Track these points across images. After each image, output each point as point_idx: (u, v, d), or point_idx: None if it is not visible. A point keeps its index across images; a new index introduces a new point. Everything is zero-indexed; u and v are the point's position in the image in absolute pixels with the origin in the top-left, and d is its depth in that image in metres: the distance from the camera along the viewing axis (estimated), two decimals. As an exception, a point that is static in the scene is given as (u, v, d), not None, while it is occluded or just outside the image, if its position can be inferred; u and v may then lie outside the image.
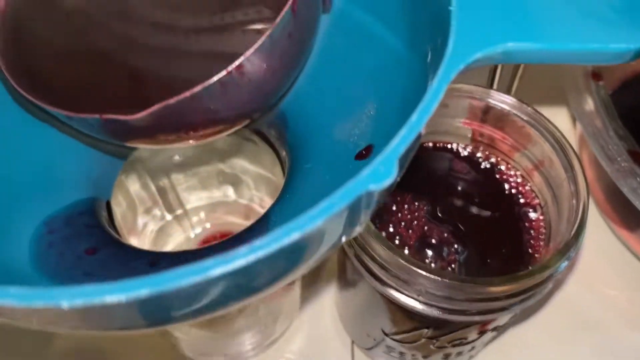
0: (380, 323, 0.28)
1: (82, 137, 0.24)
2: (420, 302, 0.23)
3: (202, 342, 0.31)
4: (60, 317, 0.15)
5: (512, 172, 0.29)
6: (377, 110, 0.22)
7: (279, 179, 0.29)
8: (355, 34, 0.24)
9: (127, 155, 0.26)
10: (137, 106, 0.19)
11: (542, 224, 0.28)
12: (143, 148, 0.26)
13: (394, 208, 0.28)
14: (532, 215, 0.28)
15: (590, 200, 0.32)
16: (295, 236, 0.14)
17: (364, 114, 0.22)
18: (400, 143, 0.15)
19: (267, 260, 0.14)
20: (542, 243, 0.27)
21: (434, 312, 0.24)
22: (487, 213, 0.28)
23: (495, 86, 0.33)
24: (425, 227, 0.27)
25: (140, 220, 0.31)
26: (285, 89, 0.23)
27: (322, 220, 0.14)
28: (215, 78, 0.19)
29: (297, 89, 0.24)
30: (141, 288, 0.13)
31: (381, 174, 0.14)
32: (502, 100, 0.27)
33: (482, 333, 0.27)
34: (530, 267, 0.26)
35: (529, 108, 0.27)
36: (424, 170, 0.29)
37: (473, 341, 0.27)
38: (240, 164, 0.31)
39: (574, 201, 0.25)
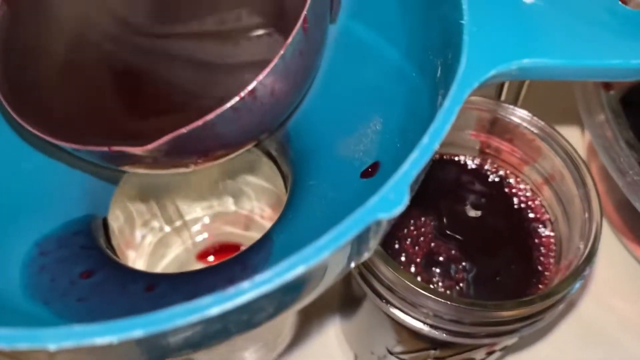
0: (385, 341, 0.27)
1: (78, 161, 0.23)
2: (427, 324, 0.23)
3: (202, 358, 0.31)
4: (50, 356, 0.14)
5: (522, 186, 0.28)
6: (383, 125, 0.21)
7: (280, 190, 0.28)
8: (358, 48, 0.23)
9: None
10: (141, 129, 0.18)
11: (552, 240, 0.27)
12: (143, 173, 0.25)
13: (400, 223, 0.27)
14: (542, 231, 0.27)
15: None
16: (300, 270, 0.13)
17: (369, 130, 0.21)
18: (411, 168, 0.14)
19: (269, 295, 0.13)
20: (552, 260, 0.26)
21: (442, 335, 0.23)
22: (496, 229, 0.27)
23: (503, 97, 0.32)
24: (432, 244, 0.26)
25: (139, 233, 0.30)
26: (295, 106, 0.22)
27: (329, 252, 0.13)
28: (228, 104, 0.18)
29: (301, 105, 0.23)
30: (135, 329, 0.12)
31: (391, 201, 0.14)
32: (512, 113, 0.27)
33: (490, 354, 0.26)
34: (540, 286, 0.25)
35: (540, 121, 0.26)
36: (431, 184, 0.28)
37: (481, 361, 0.26)
38: (240, 174, 0.30)
39: (587, 217, 0.24)
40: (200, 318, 0.12)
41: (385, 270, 0.22)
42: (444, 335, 0.23)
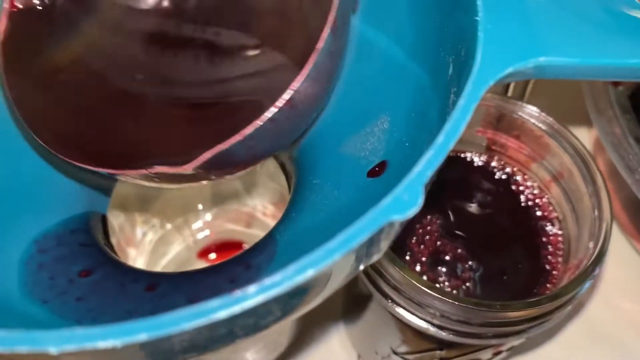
0: (389, 342, 0.26)
1: None
2: (433, 324, 0.22)
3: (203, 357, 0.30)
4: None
5: (529, 184, 0.28)
6: (391, 124, 0.21)
7: (283, 188, 0.28)
8: (364, 46, 0.22)
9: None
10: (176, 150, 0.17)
11: (560, 238, 0.26)
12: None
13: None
14: (550, 229, 0.26)
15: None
16: (309, 273, 0.12)
17: (377, 128, 0.21)
18: (426, 168, 0.13)
19: (278, 298, 0.13)
20: (560, 259, 0.26)
21: (448, 336, 0.22)
22: (502, 227, 0.27)
23: (510, 92, 0.31)
24: (438, 242, 0.26)
25: (139, 230, 0.29)
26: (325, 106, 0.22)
27: (339, 255, 0.13)
28: (267, 115, 0.17)
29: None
30: (139, 332, 0.12)
31: (405, 203, 0.13)
32: (519, 109, 0.26)
33: (496, 354, 0.26)
34: (548, 285, 0.25)
35: (549, 117, 0.26)
36: (436, 181, 0.28)
37: (487, 361, 0.26)
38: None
39: (596, 215, 0.24)
40: (206, 322, 0.12)
41: (392, 270, 0.22)
42: (451, 335, 0.22)
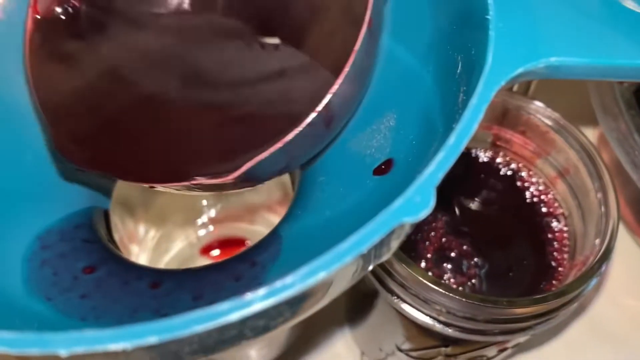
0: (394, 339, 0.26)
1: None
2: (439, 321, 0.22)
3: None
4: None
5: (534, 180, 0.27)
6: (397, 122, 0.20)
7: (287, 184, 0.27)
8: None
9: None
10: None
11: (565, 235, 0.26)
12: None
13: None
14: (556, 225, 0.26)
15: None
16: (321, 276, 0.12)
17: (383, 126, 0.21)
18: (437, 169, 0.13)
19: (289, 300, 0.12)
20: (566, 256, 0.26)
21: (454, 332, 0.22)
22: (508, 223, 0.27)
23: (515, 87, 0.31)
24: (443, 239, 0.26)
25: (142, 226, 0.29)
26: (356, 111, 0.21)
27: (351, 258, 0.12)
28: (308, 119, 0.17)
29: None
30: (149, 335, 0.12)
31: (417, 204, 0.13)
32: (525, 104, 0.26)
33: (501, 351, 0.26)
34: (554, 281, 0.25)
35: (555, 113, 0.26)
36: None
37: (492, 358, 0.26)
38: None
39: (603, 211, 0.23)
40: (217, 325, 0.12)
41: (398, 266, 0.22)
42: (456, 332, 0.22)
